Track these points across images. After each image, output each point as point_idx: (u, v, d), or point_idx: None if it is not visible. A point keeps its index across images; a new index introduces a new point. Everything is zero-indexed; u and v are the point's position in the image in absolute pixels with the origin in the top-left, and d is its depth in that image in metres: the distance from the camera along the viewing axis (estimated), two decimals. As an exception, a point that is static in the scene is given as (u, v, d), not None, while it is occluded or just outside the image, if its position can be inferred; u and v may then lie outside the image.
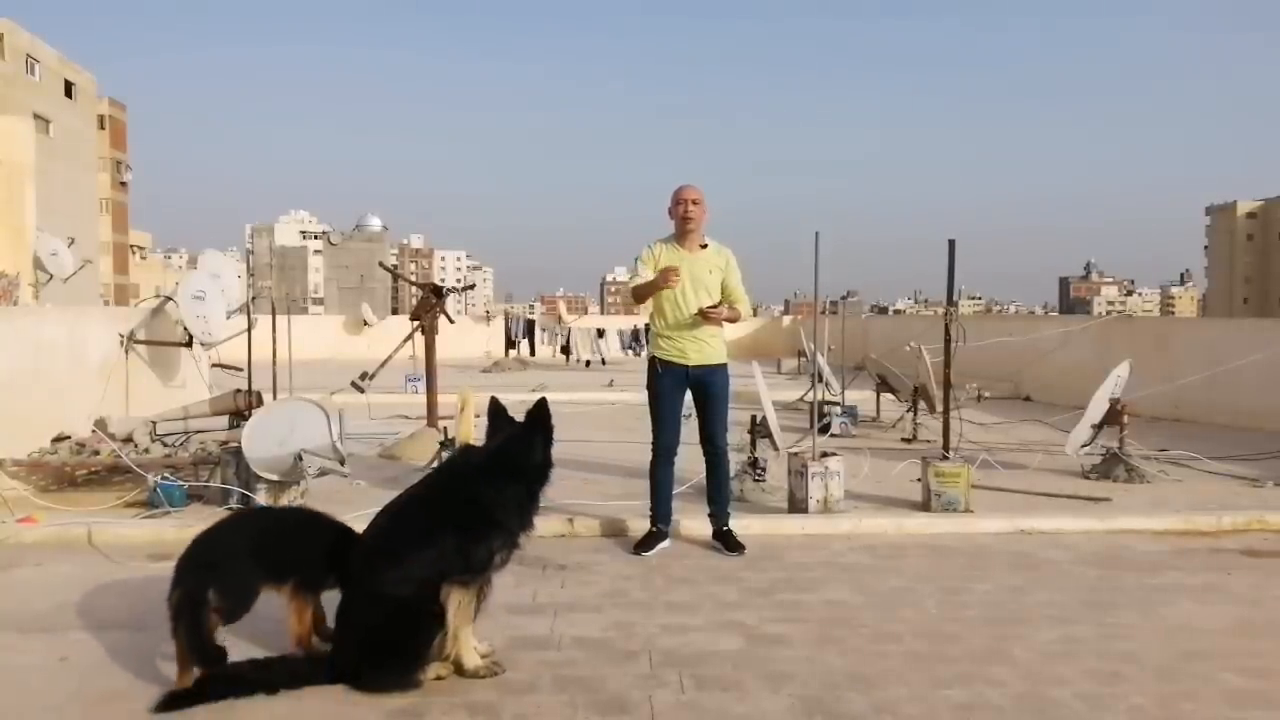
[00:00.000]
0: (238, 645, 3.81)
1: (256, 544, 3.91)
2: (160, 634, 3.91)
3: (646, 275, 5.43)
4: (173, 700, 3.27)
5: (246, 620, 3.95)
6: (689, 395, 5.52)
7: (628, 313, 10.42)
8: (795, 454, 6.43)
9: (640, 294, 5.50)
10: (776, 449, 7.23)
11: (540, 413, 3.77)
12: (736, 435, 6.36)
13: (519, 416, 3.80)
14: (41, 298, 13.59)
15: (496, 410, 3.83)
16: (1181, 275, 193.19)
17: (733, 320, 5.50)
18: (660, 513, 5.52)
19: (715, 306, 5.34)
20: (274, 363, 9.34)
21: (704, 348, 5.42)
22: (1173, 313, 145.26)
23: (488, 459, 3.71)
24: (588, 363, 21.33)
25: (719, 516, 5.53)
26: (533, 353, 22.21)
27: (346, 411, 7.72)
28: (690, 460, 5.75)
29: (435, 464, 6.86)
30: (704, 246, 5.50)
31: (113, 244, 60.33)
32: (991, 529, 5.96)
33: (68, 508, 6.13)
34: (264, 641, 3.89)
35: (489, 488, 3.61)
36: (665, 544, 5.48)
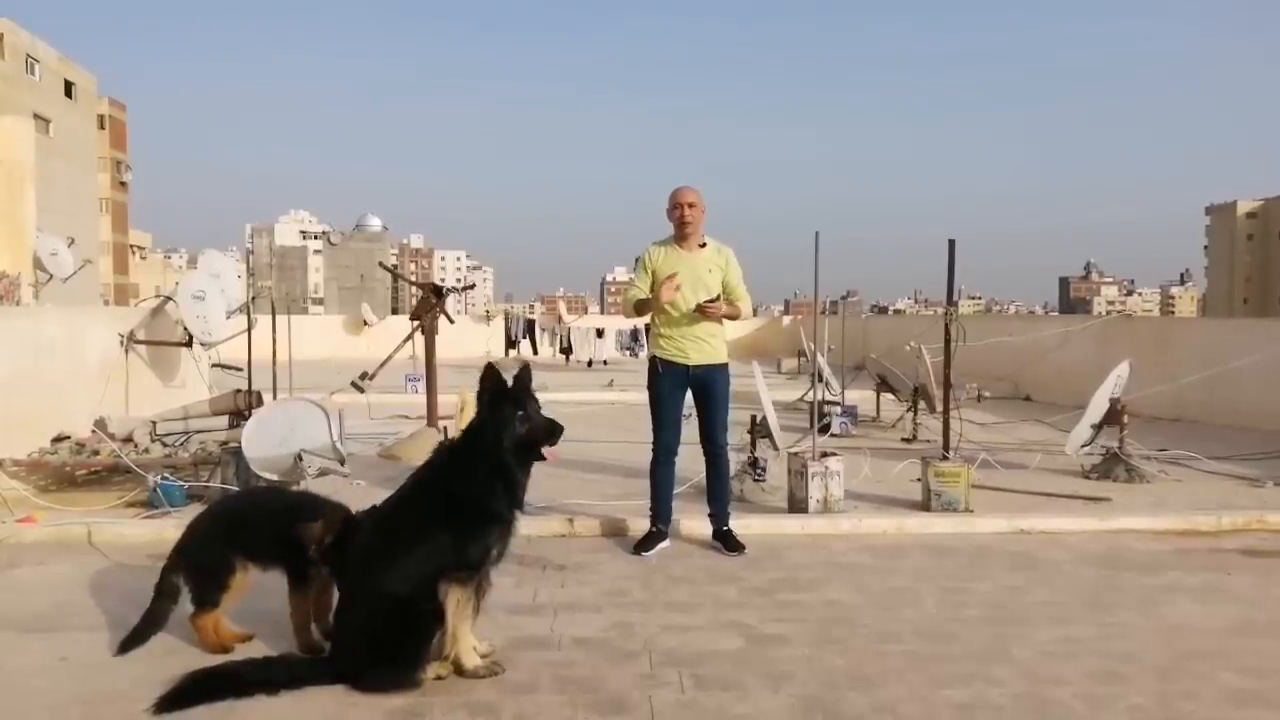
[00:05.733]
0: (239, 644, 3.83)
1: (234, 524, 3.95)
2: (160, 634, 3.92)
3: (644, 285, 5.46)
4: (172, 700, 3.27)
5: (249, 619, 3.97)
6: (689, 395, 5.52)
7: (628, 316, 10.33)
8: (795, 454, 6.43)
9: (640, 309, 5.52)
10: (776, 449, 7.23)
11: (494, 388, 3.60)
12: (736, 435, 6.36)
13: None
14: (41, 298, 13.58)
15: (491, 379, 3.65)
16: (1181, 275, 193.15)
17: (732, 317, 5.50)
18: (660, 513, 5.51)
19: (713, 301, 5.34)
20: (274, 363, 9.33)
21: (704, 347, 5.42)
22: (1173, 313, 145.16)
23: (464, 451, 3.65)
24: (589, 363, 21.33)
25: (719, 516, 5.53)
26: (535, 352, 22.21)
27: (346, 411, 7.73)
28: (690, 460, 5.74)
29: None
30: (703, 245, 5.50)
31: (113, 244, 60.35)
32: (991, 529, 5.96)
33: (68, 508, 6.13)
34: (265, 640, 3.90)
35: (472, 481, 3.57)
36: (665, 544, 5.48)
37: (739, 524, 5.63)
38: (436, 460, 3.75)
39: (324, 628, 3.85)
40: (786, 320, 28.37)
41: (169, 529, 5.55)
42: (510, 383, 3.67)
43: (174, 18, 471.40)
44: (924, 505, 6.32)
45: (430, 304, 9.22)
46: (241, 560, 3.83)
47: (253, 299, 9.80)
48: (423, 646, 3.48)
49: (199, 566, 3.85)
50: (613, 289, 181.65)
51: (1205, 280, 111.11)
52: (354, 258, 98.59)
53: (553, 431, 3.66)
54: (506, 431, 3.57)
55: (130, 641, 3.82)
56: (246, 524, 3.95)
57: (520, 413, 3.61)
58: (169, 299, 9.32)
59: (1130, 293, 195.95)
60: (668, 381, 5.44)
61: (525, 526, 5.13)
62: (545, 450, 3.65)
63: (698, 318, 5.37)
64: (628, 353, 22.32)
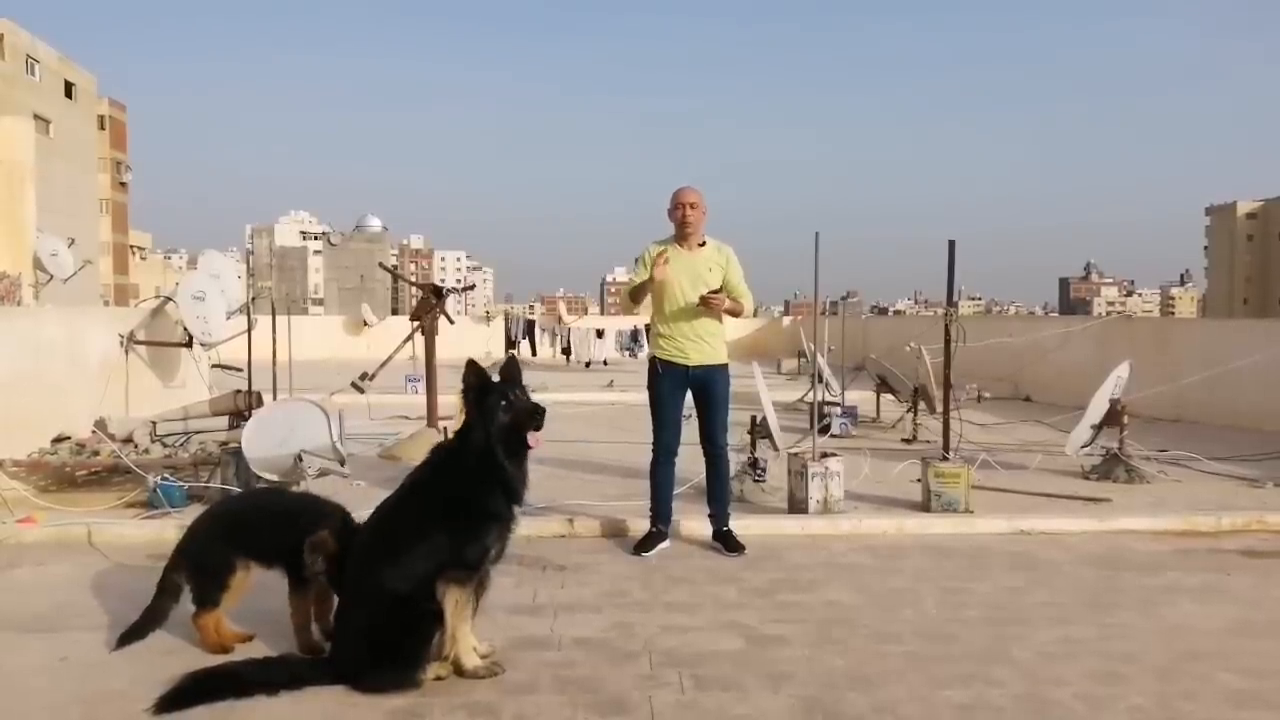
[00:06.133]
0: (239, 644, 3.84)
1: (235, 524, 3.95)
2: (160, 633, 3.93)
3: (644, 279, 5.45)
4: (172, 700, 3.27)
5: (249, 619, 3.97)
6: (689, 395, 5.52)
7: (627, 313, 10.37)
8: (795, 454, 6.43)
9: (637, 295, 5.51)
10: (776, 449, 7.23)
11: (477, 382, 3.62)
12: (736, 435, 6.36)
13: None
14: (41, 298, 13.59)
15: (474, 373, 3.69)
16: (1181, 275, 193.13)
17: (733, 313, 5.50)
18: (660, 513, 5.51)
19: (715, 292, 5.32)
20: (274, 363, 9.34)
21: (704, 348, 5.42)
22: (1173, 313, 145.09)
23: (458, 451, 3.65)
24: (588, 363, 21.33)
25: (719, 517, 5.53)
26: (534, 353, 22.21)
27: (346, 412, 7.73)
28: (690, 460, 5.74)
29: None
30: (703, 245, 5.50)
31: (113, 244, 60.33)
32: (991, 529, 5.96)
33: (68, 508, 6.13)
34: (265, 640, 3.90)
35: (467, 481, 3.57)
36: (665, 544, 5.48)
37: (739, 524, 5.63)
38: (432, 461, 3.76)
39: (324, 628, 3.85)
40: (786, 320, 28.37)
41: (169, 529, 5.57)
42: (496, 375, 3.68)
43: (174, 18, 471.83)
44: (924, 506, 6.32)
45: (430, 304, 9.23)
46: (242, 560, 3.83)
47: (253, 299, 9.80)
48: (423, 647, 3.48)
49: (200, 566, 3.85)
50: (613, 289, 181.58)
51: (1205, 281, 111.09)
52: (354, 258, 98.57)
53: (535, 413, 3.62)
54: (492, 421, 3.57)
55: (129, 636, 3.83)
56: (247, 524, 3.96)
57: (504, 401, 3.60)
58: (169, 299, 9.32)
59: (1130, 293, 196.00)
60: (667, 382, 5.44)
61: (525, 526, 5.14)
62: (531, 438, 3.61)
63: (698, 313, 5.36)
64: (627, 353, 22.31)
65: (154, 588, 3.90)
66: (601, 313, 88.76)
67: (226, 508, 4.30)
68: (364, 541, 3.65)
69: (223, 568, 3.81)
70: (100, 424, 7.04)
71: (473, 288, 26.81)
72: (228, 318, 9.51)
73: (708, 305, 5.32)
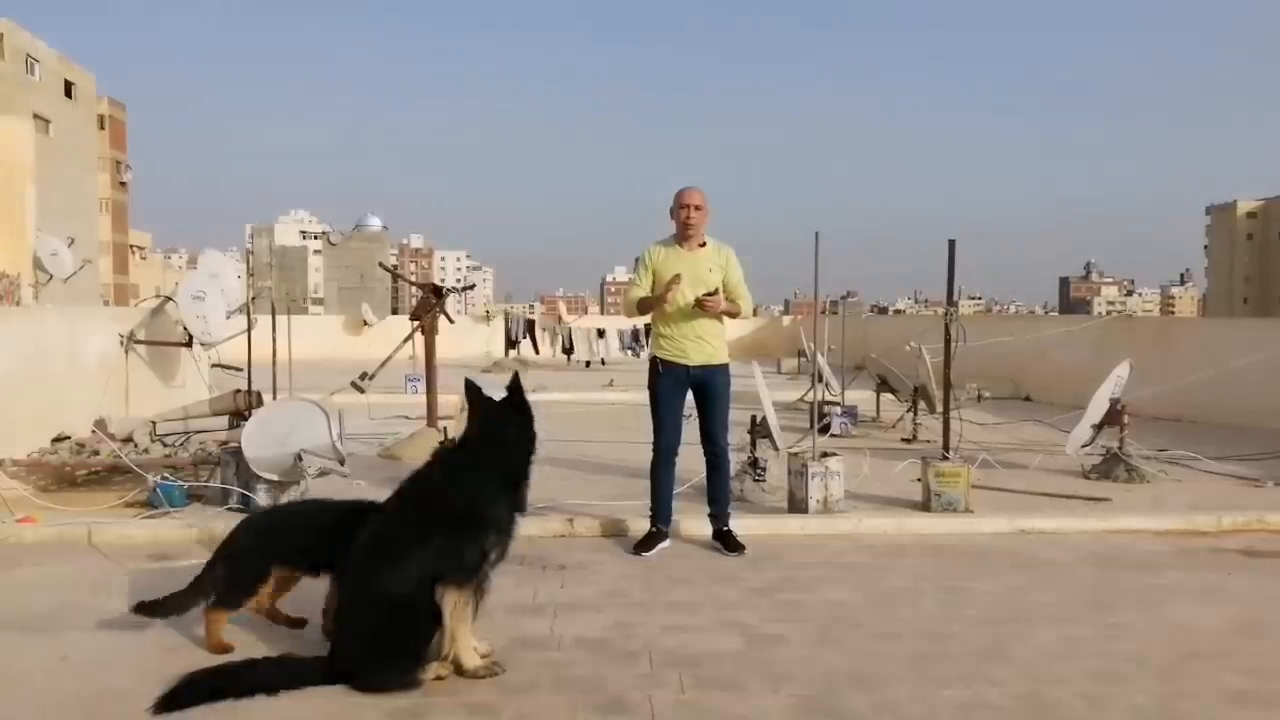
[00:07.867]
0: (241, 644, 3.84)
1: (273, 531, 3.96)
2: (161, 631, 3.93)
3: (645, 284, 5.46)
4: (172, 700, 3.26)
5: (249, 619, 3.97)
6: (690, 395, 5.52)
7: (628, 316, 10.38)
8: (795, 454, 6.43)
9: (643, 307, 5.51)
10: (776, 449, 7.22)
11: (513, 391, 3.75)
12: (736, 435, 6.35)
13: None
14: (41, 298, 13.60)
15: (474, 394, 3.77)
16: (1181, 275, 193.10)
17: (731, 314, 5.50)
18: (660, 513, 5.51)
19: (712, 294, 5.31)
20: (274, 363, 9.34)
21: (705, 347, 5.42)
22: (1173, 313, 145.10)
23: (465, 454, 3.69)
24: (588, 363, 21.34)
25: (719, 516, 5.53)
26: (536, 352, 22.23)
27: (346, 411, 7.73)
28: (690, 460, 5.74)
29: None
30: (703, 245, 5.50)
31: (113, 244, 60.30)
32: (991, 529, 5.96)
33: (68, 508, 6.13)
34: (267, 641, 3.90)
35: (470, 485, 3.59)
36: (665, 544, 5.48)
37: (739, 524, 5.63)
38: (436, 463, 3.77)
39: None
40: (786, 320, 28.38)
41: (169, 529, 5.58)
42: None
43: (174, 16, 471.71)
44: (924, 505, 6.32)
45: (430, 304, 9.23)
46: (280, 569, 3.86)
47: (253, 299, 9.79)
48: (423, 646, 3.48)
49: (235, 571, 3.86)
50: (613, 289, 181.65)
51: (1205, 280, 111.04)
52: (354, 258, 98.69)
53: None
54: (532, 435, 3.72)
55: (147, 608, 3.81)
56: (291, 532, 3.99)
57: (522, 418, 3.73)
58: (169, 299, 9.32)
59: (1130, 293, 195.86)
60: (668, 381, 5.44)
61: (525, 526, 5.13)
62: None
63: (698, 314, 5.35)
64: (629, 352, 22.31)
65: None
66: (601, 312, 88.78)
67: (273, 516, 4.36)
68: (364, 542, 3.65)
69: (257, 577, 3.83)
70: (100, 424, 7.04)
71: (473, 287, 26.77)
72: (227, 317, 9.50)
73: (703, 308, 5.31)
